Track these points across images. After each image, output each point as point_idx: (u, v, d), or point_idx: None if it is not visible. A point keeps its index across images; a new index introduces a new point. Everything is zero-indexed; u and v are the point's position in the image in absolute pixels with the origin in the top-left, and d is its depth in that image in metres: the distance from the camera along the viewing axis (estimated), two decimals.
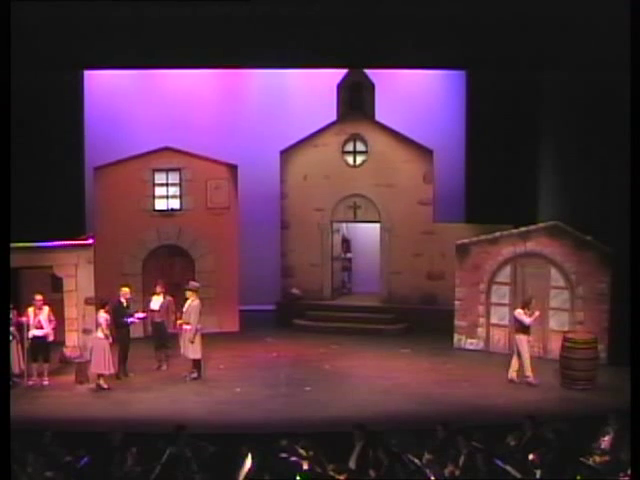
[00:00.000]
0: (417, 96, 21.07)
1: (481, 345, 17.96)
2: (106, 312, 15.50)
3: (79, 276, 17.04)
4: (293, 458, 10.74)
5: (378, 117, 20.25)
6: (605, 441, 11.53)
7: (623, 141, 12.54)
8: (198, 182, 19.33)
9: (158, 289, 16.73)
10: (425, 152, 20.08)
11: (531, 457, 11.00)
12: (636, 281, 10.38)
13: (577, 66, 14.59)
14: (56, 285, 17.12)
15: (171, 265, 19.44)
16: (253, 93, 21.60)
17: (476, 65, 15.81)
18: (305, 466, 10.62)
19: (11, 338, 14.56)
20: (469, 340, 18.07)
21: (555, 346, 16.19)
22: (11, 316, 14.27)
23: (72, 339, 16.92)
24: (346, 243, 21.95)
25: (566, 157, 18.49)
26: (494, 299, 17.81)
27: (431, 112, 21.04)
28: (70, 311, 16.94)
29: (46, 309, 15.52)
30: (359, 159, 20.40)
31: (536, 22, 13.76)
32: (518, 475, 10.43)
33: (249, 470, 10.42)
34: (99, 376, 15.22)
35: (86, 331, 16.86)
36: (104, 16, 13.47)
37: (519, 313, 15.56)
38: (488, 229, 18.29)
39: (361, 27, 13.95)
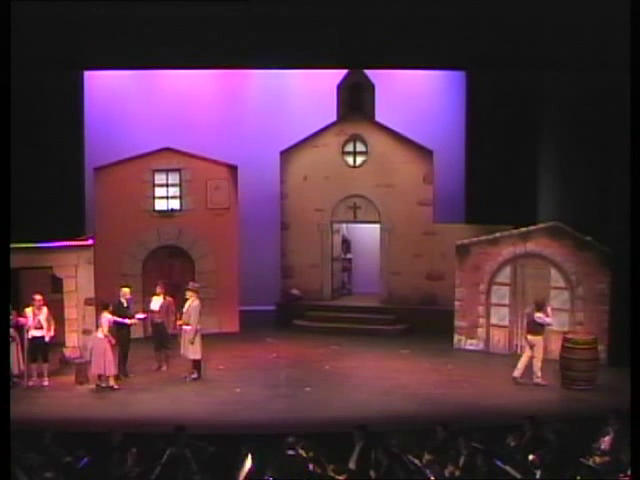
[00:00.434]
0: (417, 96, 21.07)
1: (481, 346, 17.95)
2: (110, 313, 15.50)
3: (79, 277, 17.04)
4: (300, 454, 10.73)
5: (378, 117, 20.25)
6: (605, 442, 11.51)
7: (623, 141, 12.56)
8: (198, 182, 19.32)
9: (158, 290, 16.72)
10: (425, 152, 20.08)
11: (531, 457, 10.98)
12: (636, 281, 10.38)
13: (577, 66, 14.58)
14: (56, 286, 17.11)
15: (171, 266, 19.43)
16: (253, 93, 21.59)
17: (476, 65, 15.80)
18: (310, 467, 10.62)
19: (11, 339, 14.54)
20: (469, 341, 18.07)
21: (555, 347, 16.17)
22: (11, 317, 14.28)
23: (72, 340, 16.91)
24: (346, 244, 21.95)
25: (566, 157, 18.48)
26: (494, 300, 17.81)
27: (431, 112, 21.05)
28: (70, 312, 16.94)
29: (45, 309, 15.50)
30: (359, 160, 20.40)
31: (536, 22, 13.76)
32: (518, 475, 10.42)
33: (249, 470, 10.41)
34: (100, 376, 15.22)
35: (86, 332, 16.87)
36: (104, 16, 13.47)
37: (539, 317, 15.50)
38: (488, 230, 18.29)
39: (361, 27, 13.95)
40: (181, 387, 15.43)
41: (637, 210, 10.41)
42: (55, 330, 15.77)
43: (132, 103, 20.92)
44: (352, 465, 10.90)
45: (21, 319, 15.26)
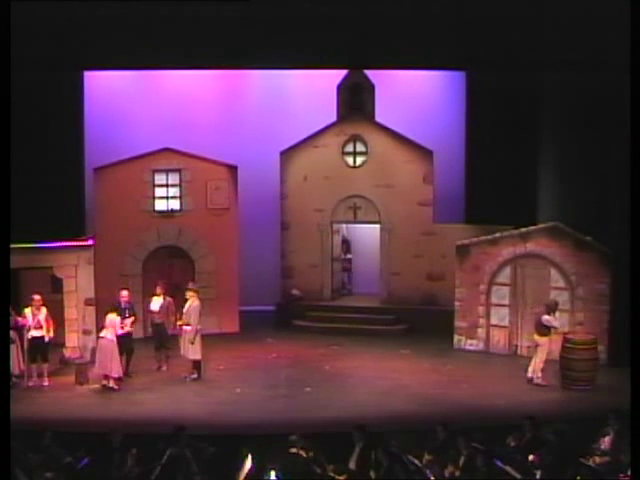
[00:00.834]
0: (417, 97, 21.06)
1: (481, 346, 17.95)
2: (118, 315, 15.48)
3: (79, 277, 17.03)
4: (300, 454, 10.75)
5: (378, 118, 20.25)
6: (605, 442, 11.52)
7: (623, 141, 12.55)
8: (198, 183, 19.32)
9: (158, 290, 16.72)
10: (425, 153, 20.08)
11: (531, 458, 10.99)
12: (636, 282, 10.37)
13: (577, 66, 14.57)
14: (56, 286, 17.11)
15: (171, 266, 19.43)
16: (253, 94, 21.58)
17: (476, 65, 15.79)
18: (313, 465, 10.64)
19: (11, 339, 14.53)
20: (469, 341, 18.07)
21: (555, 347, 16.15)
22: (11, 317, 14.28)
23: (72, 340, 16.91)
24: (346, 244, 21.95)
25: (566, 157, 18.48)
26: (494, 300, 17.81)
27: (431, 112, 21.03)
28: (70, 312, 16.93)
29: (44, 309, 15.49)
30: (359, 160, 20.39)
31: (536, 22, 13.75)
32: (518, 476, 10.42)
33: (249, 471, 10.41)
34: (106, 377, 15.20)
35: (86, 332, 16.88)
36: (104, 16, 13.45)
37: (546, 320, 15.47)
38: (488, 230, 18.28)
39: (361, 27, 13.93)
40: (181, 387, 15.43)
41: (637, 210, 10.41)
42: (55, 330, 15.79)
43: (132, 103, 20.90)
44: (352, 465, 10.91)
45: (21, 319, 15.25)
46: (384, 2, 13.84)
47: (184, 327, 15.74)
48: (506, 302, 17.68)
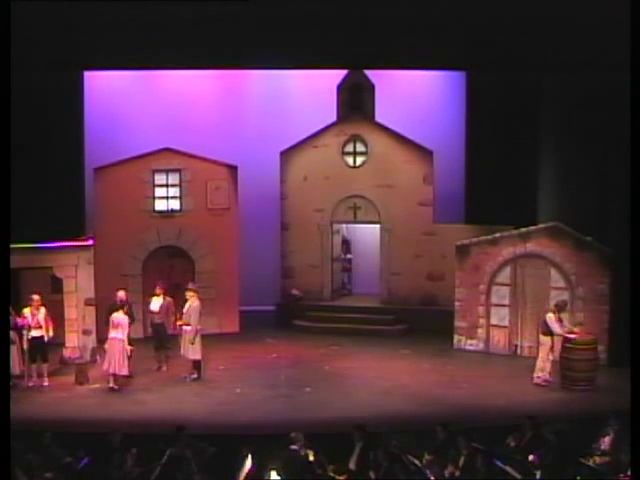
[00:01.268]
0: (417, 97, 21.07)
1: (481, 346, 17.95)
2: (125, 314, 15.49)
3: (79, 277, 17.04)
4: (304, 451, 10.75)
5: (378, 118, 20.26)
6: (605, 442, 11.52)
7: (623, 141, 12.54)
8: (198, 183, 19.33)
9: (157, 290, 16.71)
10: (425, 153, 20.09)
11: (531, 458, 10.98)
12: (636, 282, 10.37)
13: (577, 66, 14.57)
14: (56, 286, 17.11)
15: (171, 266, 19.44)
16: (253, 94, 21.59)
17: (476, 65, 15.79)
18: (311, 457, 10.63)
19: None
20: (469, 341, 18.07)
21: (555, 347, 16.14)
22: (11, 317, 14.28)
23: (72, 340, 16.91)
24: (346, 244, 21.95)
25: (566, 157, 18.47)
26: (494, 300, 17.81)
27: (431, 113, 21.05)
28: (70, 312, 16.93)
29: (43, 309, 15.49)
30: (359, 160, 20.40)
31: (536, 22, 13.73)
32: (518, 476, 10.41)
33: (249, 471, 10.41)
34: (113, 376, 15.21)
35: (86, 332, 16.88)
36: (104, 16, 13.44)
37: (549, 318, 15.44)
38: (488, 230, 18.29)
39: (361, 27, 13.92)
40: (181, 387, 15.43)
41: (637, 210, 10.40)
42: (55, 330, 15.78)
43: (132, 103, 20.91)
44: (352, 465, 10.90)
45: (20, 319, 15.24)
46: (384, 2, 13.83)
47: (184, 327, 15.74)
48: (506, 302, 17.68)
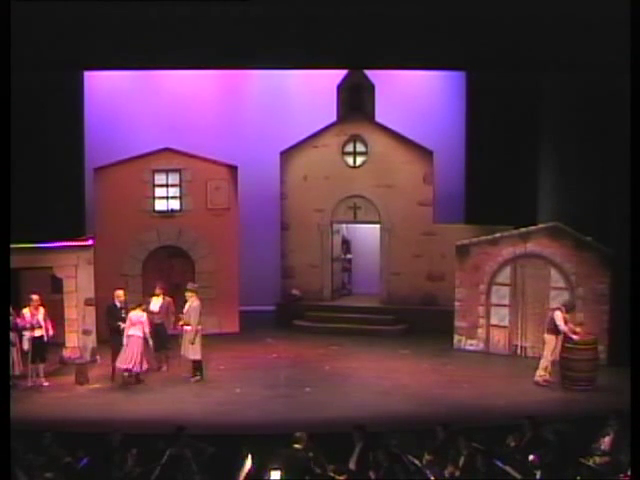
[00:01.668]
0: (417, 97, 21.07)
1: (481, 346, 17.94)
2: (143, 311, 15.51)
3: (79, 277, 17.03)
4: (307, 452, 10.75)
5: (378, 118, 20.25)
6: (605, 442, 11.51)
7: (623, 141, 12.54)
8: (198, 183, 19.33)
9: (157, 290, 16.70)
10: (425, 153, 20.09)
11: (531, 458, 10.98)
12: (636, 282, 10.38)
13: (577, 66, 14.57)
14: (56, 286, 17.11)
15: (171, 266, 19.43)
16: (253, 94, 21.59)
17: (476, 65, 15.79)
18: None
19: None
20: (469, 341, 18.06)
21: (558, 346, 16.13)
22: (11, 317, 14.27)
23: (72, 340, 16.90)
24: (346, 244, 21.95)
25: (566, 157, 18.47)
26: (494, 300, 17.81)
27: (431, 113, 21.04)
28: (70, 312, 16.92)
29: (42, 309, 15.48)
30: (359, 160, 20.40)
31: (536, 22, 13.75)
32: (518, 476, 10.41)
33: (249, 471, 10.40)
34: (127, 371, 15.23)
35: (86, 332, 16.87)
36: (104, 16, 13.45)
37: (557, 315, 15.35)
38: (488, 230, 18.28)
39: (361, 27, 13.93)
40: (181, 387, 15.42)
41: (637, 210, 10.40)
42: (55, 330, 15.77)
43: (132, 103, 20.90)
44: (352, 465, 10.90)
45: (19, 320, 15.23)
46: (384, 2, 13.83)
47: (184, 327, 15.74)
48: (506, 302, 17.68)
